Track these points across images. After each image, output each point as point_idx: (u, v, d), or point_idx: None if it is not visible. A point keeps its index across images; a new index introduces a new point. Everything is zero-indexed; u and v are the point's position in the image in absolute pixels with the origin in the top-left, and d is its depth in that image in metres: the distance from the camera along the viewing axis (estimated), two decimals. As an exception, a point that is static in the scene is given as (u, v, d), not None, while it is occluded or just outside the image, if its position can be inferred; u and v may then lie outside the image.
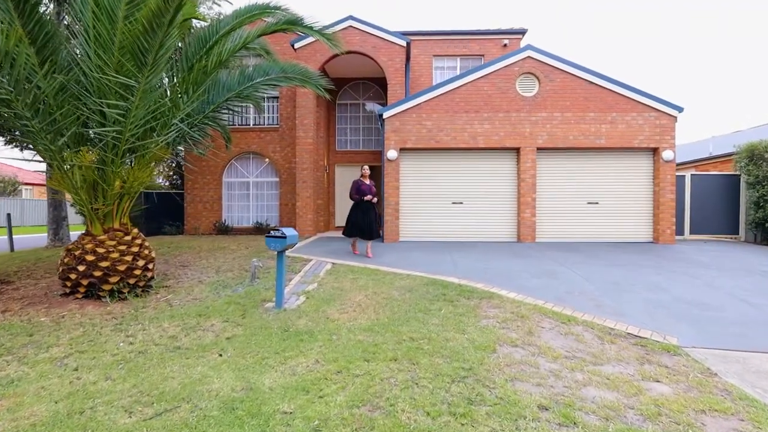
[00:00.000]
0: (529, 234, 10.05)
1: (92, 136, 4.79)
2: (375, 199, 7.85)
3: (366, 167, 8.02)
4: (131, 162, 5.33)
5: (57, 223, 11.41)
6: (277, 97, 13.68)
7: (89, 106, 4.66)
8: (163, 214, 14.50)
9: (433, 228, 10.41)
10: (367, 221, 7.75)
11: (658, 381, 3.37)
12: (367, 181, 7.90)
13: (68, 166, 4.91)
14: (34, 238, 16.10)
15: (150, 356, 3.65)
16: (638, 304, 5.26)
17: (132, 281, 5.20)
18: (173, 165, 16.83)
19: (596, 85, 9.95)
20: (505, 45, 13.24)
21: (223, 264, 7.42)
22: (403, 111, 10.19)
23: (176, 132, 5.48)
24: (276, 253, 4.88)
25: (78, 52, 4.79)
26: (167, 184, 17.09)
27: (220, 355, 3.65)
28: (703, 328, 4.54)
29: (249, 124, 13.77)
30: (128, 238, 5.32)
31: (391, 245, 9.64)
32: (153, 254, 5.65)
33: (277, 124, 13.65)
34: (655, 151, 10.11)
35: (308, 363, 3.47)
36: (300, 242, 10.33)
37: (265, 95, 7.42)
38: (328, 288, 5.72)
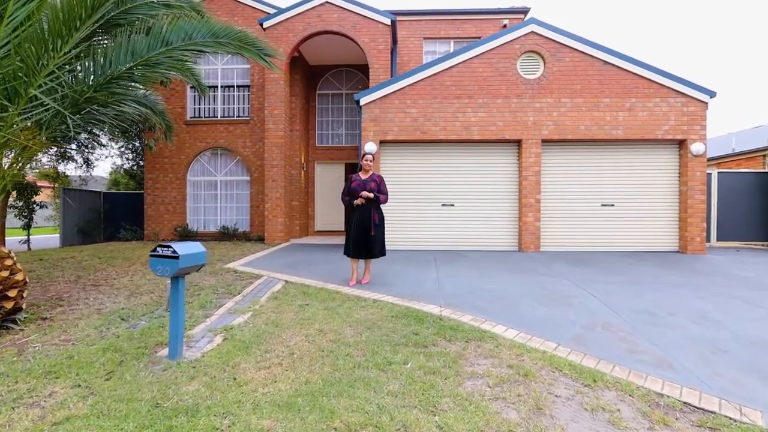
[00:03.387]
0: (532, 242, 8.52)
1: None
2: (364, 199, 5.48)
3: (369, 155, 5.69)
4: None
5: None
6: (249, 86, 12.19)
7: None
8: (124, 216, 13.03)
9: (419, 235, 8.89)
10: (359, 232, 5.49)
11: None
12: (365, 176, 5.63)
13: None
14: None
15: None
16: (687, 347, 3.75)
17: (-24, 316, 3.68)
18: (140, 162, 15.34)
19: (612, 65, 8.42)
20: (505, 26, 11.72)
21: (147, 283, 5.90)
22: (383, 96, 8.68)
23: (51, 111, 3.97)
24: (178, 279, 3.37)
25: None
26: (133, 182, 15.61)
27: (14, 467, 2.13)
28: (795, 391, 3.03)
29: (216, 116, 12.26)
30: (-26, 255, 3.80)
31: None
32: (20, 277, 4.14)
33: (248, 116, 12.15)
34: (681, 144, 8.58)
35: (152, 489, 1.96)
36: (263, 251, 8.82)
37: (190, 64, 5.89)
38: (261, 322, 4.21)
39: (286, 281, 5.89)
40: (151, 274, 6.43)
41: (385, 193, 5.64)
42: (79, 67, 4.13)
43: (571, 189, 8.81)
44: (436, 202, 8.94)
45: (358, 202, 5.49)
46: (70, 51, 3.69)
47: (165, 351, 3.51)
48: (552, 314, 4.56)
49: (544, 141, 8.68)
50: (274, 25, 10.37)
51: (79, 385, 2.96)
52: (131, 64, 4.43)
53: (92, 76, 4.24)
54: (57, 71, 3.77)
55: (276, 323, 4.15)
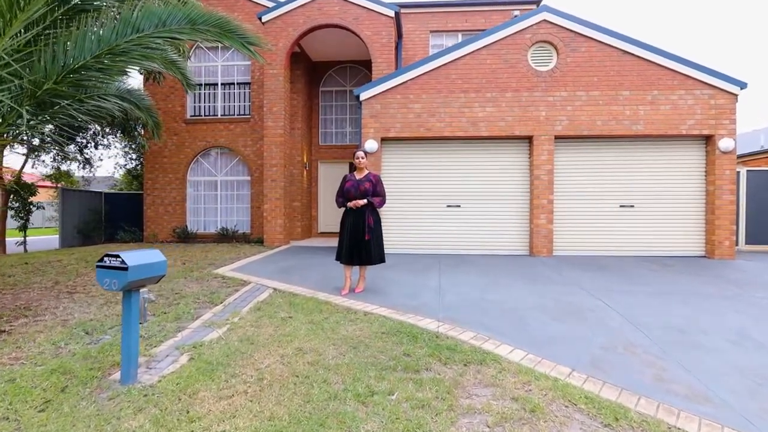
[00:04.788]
0: (544, 246, 7.94)
1: None
2: (362, 203, 5.01)
3: (360, 153, 5.13)
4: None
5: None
6: (249, 83, 11.83)
7: None
8: (125, 217, 12.80)
9: (422, 238, 8.38)
10: (352, 236, 5.04)
11: None
12: (360, 175, 5.14)
13: None
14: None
15: None
16: (726, 373, 3.19)
17: None
18: (140, 162, 15.13)
19: (632, 55, 7.79)
20: (516, 17, 11.11)
21: (127, 289, 5.52)
22: (385, 91, 8.19)
23: (4, 104, 3.59)
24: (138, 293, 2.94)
25: None
26: (137, 183, 15.41)
27: None
28: None
29: (217, 114, 11.93)
30: None
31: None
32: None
33: (249, 114, 11.79)
34: (708, 140, 7.91)
35: None
36: (259, 255, 8.41)
37: (174, 56, 5.51)
38: (236, 338, 3.76)
39: (275, 289, 5.45)
40: (133, 280, 6.05)
41: (382, 195, 5.17)
42: (36, 57, 3.74)
43: (586, 189, 8.19)
44: (441, 202, 8.42)
45: (351, 204, 5.03)
46: (18, 36, 3.30)
47: (119, 374, 3.09)
48: (566, 331, 4.02)
49: (557, 137, 8.08)
50: (273, 18, 9.97)
51: (7, 418, 2.55)
52: (97, 53, 4.02)
53: (53, 66, 3.84)
54: (6, 57, 3.38)
55: (251, 340, 3.70)
